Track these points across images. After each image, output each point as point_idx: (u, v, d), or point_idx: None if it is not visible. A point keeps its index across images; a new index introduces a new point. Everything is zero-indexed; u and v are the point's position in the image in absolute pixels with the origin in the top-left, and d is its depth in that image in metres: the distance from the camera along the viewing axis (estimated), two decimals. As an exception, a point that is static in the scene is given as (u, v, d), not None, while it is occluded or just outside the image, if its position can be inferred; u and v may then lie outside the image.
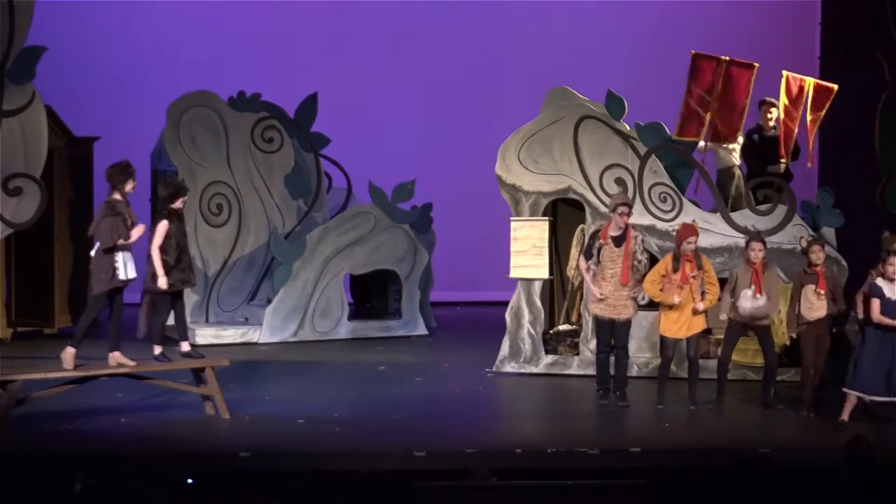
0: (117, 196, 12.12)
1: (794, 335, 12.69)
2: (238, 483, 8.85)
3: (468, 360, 15.24)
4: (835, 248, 14.23)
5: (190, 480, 10.01)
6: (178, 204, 12.45)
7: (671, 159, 14.84)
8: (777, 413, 12.75)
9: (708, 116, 14.21)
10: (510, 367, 14.60)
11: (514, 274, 14.66)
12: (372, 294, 17.82)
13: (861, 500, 8.48)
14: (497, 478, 10.61)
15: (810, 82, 14.29)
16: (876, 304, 12.03)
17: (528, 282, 14.60)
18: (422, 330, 17.23)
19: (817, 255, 12.56)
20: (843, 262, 14.09)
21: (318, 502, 8.22)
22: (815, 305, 12.53)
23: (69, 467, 9.32)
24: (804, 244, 12.89)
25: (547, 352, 14.59)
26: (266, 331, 16.48)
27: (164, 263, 12.25)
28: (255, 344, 16.38)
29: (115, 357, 12.13)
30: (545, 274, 14.59)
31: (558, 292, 15.07)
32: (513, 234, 14.64)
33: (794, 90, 14.25)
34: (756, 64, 14.05)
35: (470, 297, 19.75)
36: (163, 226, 12.32)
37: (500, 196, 14.81)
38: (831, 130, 18.94)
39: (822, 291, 12.50)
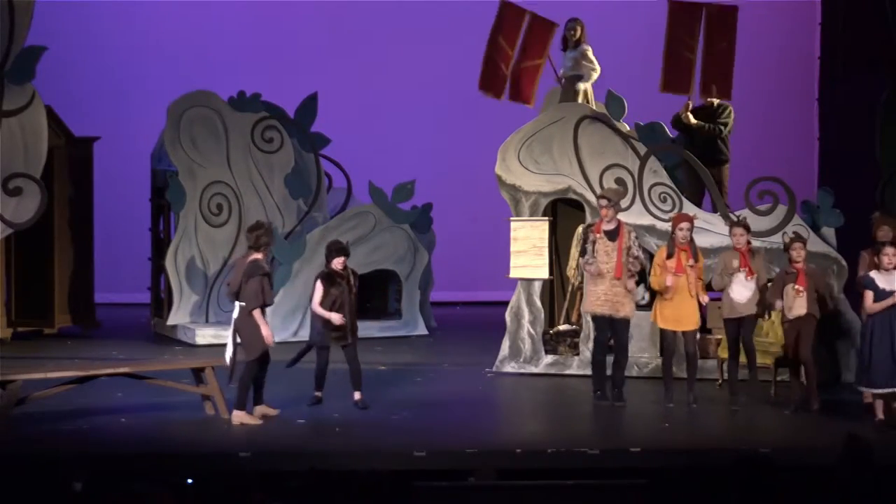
0: (259, 255, 12.18)
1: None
2: (238, 483, 8.86)
3: (468, 360, 15.24)
4: (835, 247, 14.23)
5: (190, 480, 10.02)
6: (334, 265, 12.55)
7: (671, 159, 14.86)
8: (777, 413, 12.75)
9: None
10: (510, 367, 14.59)
11: (514, 274, 14.66)
12: (372, 294, 17.81)
13: (860, 500, 8.48)
14: (498, 478, 10.62)
15: (702, 6, 14.27)
16: (869, 295, 12.06)
17: (528, 282, 14.60)
18: (422, 330, 17.22)
19: (798, 253, 12.58)
20: (843, 262, 14.09)
21: (318, 502, 8.22)
22: (795, 304, 12.53)
23: (69, 467, 9.33)
24: (786, 240, 12.94)
25: (547, 352, 14.59)
26: (266, 331, 16.46)
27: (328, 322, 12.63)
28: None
29: (261, 409, 12.33)
30: (545, 274, 14.59)
31: (558, 292, 15.07)
32: (513, 234, 14.64)
33: (683, 16, 14.22)
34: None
35: (470, 297, 19.74)
36: (317, 286, 12.66)
37: (500, 196, 14.81)
38: (831, 130, 18.96)
39: (801, 288, 12.49)
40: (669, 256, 12.88)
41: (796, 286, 12.49)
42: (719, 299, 13.12)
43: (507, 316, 14.64)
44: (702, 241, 13.45)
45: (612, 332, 13.12)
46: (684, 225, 12.87)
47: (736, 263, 12.78)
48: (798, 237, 13.02)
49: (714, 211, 14.57)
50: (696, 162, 14.61)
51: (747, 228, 12.94)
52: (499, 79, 14.73)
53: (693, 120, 14.81)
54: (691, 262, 12.82)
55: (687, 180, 14.84)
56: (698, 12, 14.29)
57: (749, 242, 12.90)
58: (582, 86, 15.19)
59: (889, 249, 12.10)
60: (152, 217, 17.44)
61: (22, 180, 14.66)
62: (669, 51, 14.31)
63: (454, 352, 15.95)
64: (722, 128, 14.86)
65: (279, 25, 19.94)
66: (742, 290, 12.77)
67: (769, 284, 13.01)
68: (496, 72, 14.76)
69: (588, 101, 15.19)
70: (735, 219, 13.51)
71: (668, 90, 14.60)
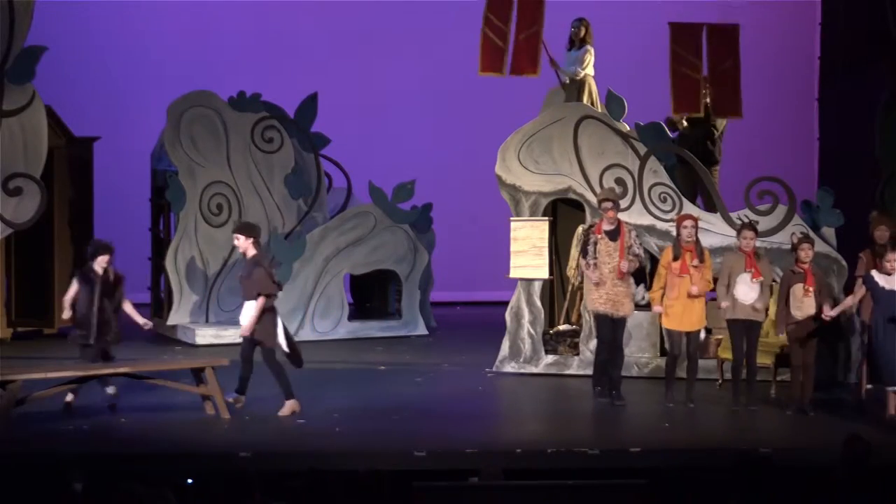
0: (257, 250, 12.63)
1: (782, 334, 12.75)
2: (238, 483, 8.86)
3: (468, 360, 15.24)
4: (834, 247, 14.23)
5: (190, 480, 10.02)
6: (96, 264, 12.74)
7: (671, 159, 14.85)
8: (777, 413, 12.76)
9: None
10: (510, 367, 14.59)
11: (514, 274, 14.66)
12: (372, 294, 17.82)
13: (859, 500, 8.48)
14: (501, 478, 10.62)
15: (703, 26, 14.29)
16: (861, 292, 12.10)
17: (528, 282, 14.60)
18: (422, 330, 17.22)
19: (806, 254, 12.59)
20: (843, 262, 14.09)
21: (318, 502, 8.22)
22: (804, 304, 12.53)
23: (69, 467, 9.33)
24: (795, 240, 12.93)
25: (547, 352, 14.59)
26: (266, 331, 16.45)
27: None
28: (255, 344, 16.35)
29: (291, 405, 12.50)
30: (545, 274, 14.59)
31: (558, 292, 15.07)
32: (513, 234, 14.64)
33: (685, 37, 14.22)
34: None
35: (470, 297, 19.74)
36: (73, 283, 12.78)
37: (500, 196, 14.81)
38: (831, 130, 18.97)
39: (811, 288, 12.50)
40: (675, 259, 12.88)
41: (806, 286, 12.49)
42: (715, 299, 13.13)
43: (507, 316, 14.64)
44: (702, 241, 13.44)
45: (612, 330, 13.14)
46: (688, 223, 12.88)
47: (741, 264, 12.77)
48: (806, 237, 13.02)
49: (707, 210, 14.56)
50: (696, 162, 14.59)
51: (756, 232, 12.94)
52: (498, 55, 14.66)
53: (685, 124, 14.84)
54: (696, 262, 12.83)
55: (680, 179, 14.82)
56: (699, 32, 14.30)
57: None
58: (581, 74, 15.16)
59: (891, 256, 12.13)
60: (152, 217, 17.44)
61: (22, 180, 14.65)
62: (675, 72, 14.30)
63: (454, 352, 15.94)
64: (714, 130, 14.85)
65: (279, 25, 19.94)
66: (748, 291, 12.75)
67: (773, 284, 13.02)
68: (494, 49, 14.69)
69: (592, 98, 15.15)
70: (745, 221, 13.50)
71: (680, 111, 14.60)
